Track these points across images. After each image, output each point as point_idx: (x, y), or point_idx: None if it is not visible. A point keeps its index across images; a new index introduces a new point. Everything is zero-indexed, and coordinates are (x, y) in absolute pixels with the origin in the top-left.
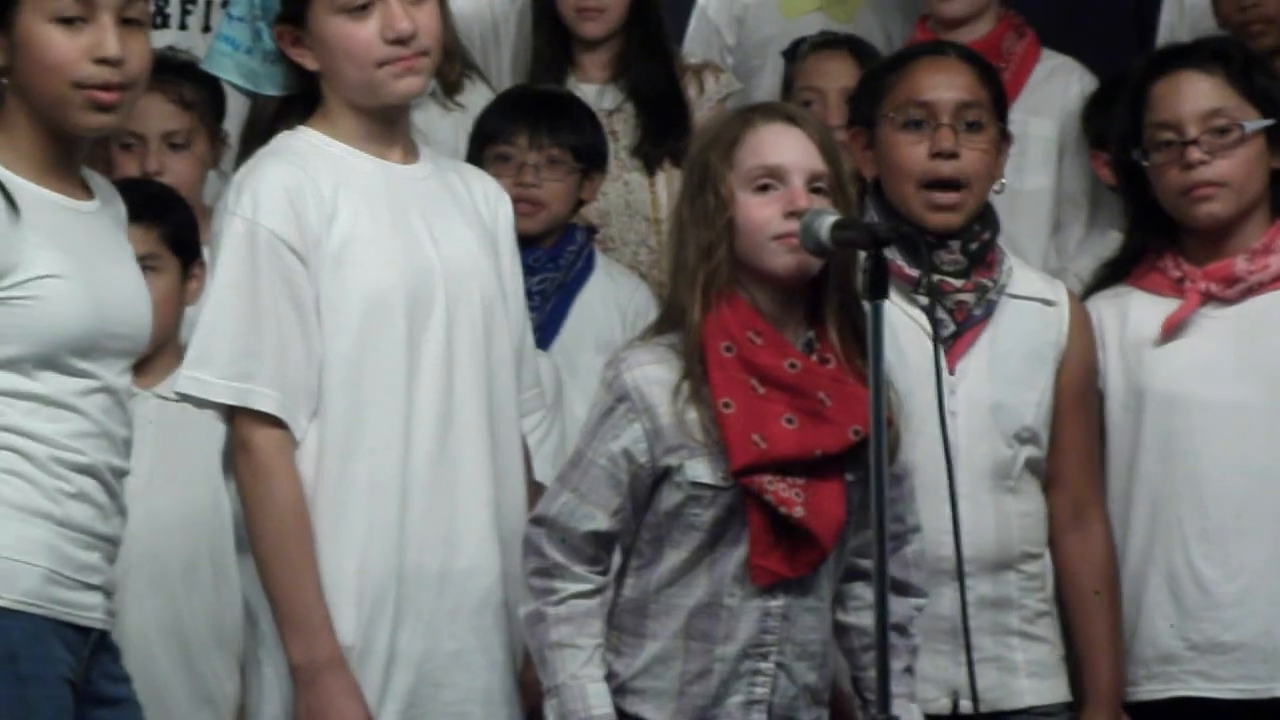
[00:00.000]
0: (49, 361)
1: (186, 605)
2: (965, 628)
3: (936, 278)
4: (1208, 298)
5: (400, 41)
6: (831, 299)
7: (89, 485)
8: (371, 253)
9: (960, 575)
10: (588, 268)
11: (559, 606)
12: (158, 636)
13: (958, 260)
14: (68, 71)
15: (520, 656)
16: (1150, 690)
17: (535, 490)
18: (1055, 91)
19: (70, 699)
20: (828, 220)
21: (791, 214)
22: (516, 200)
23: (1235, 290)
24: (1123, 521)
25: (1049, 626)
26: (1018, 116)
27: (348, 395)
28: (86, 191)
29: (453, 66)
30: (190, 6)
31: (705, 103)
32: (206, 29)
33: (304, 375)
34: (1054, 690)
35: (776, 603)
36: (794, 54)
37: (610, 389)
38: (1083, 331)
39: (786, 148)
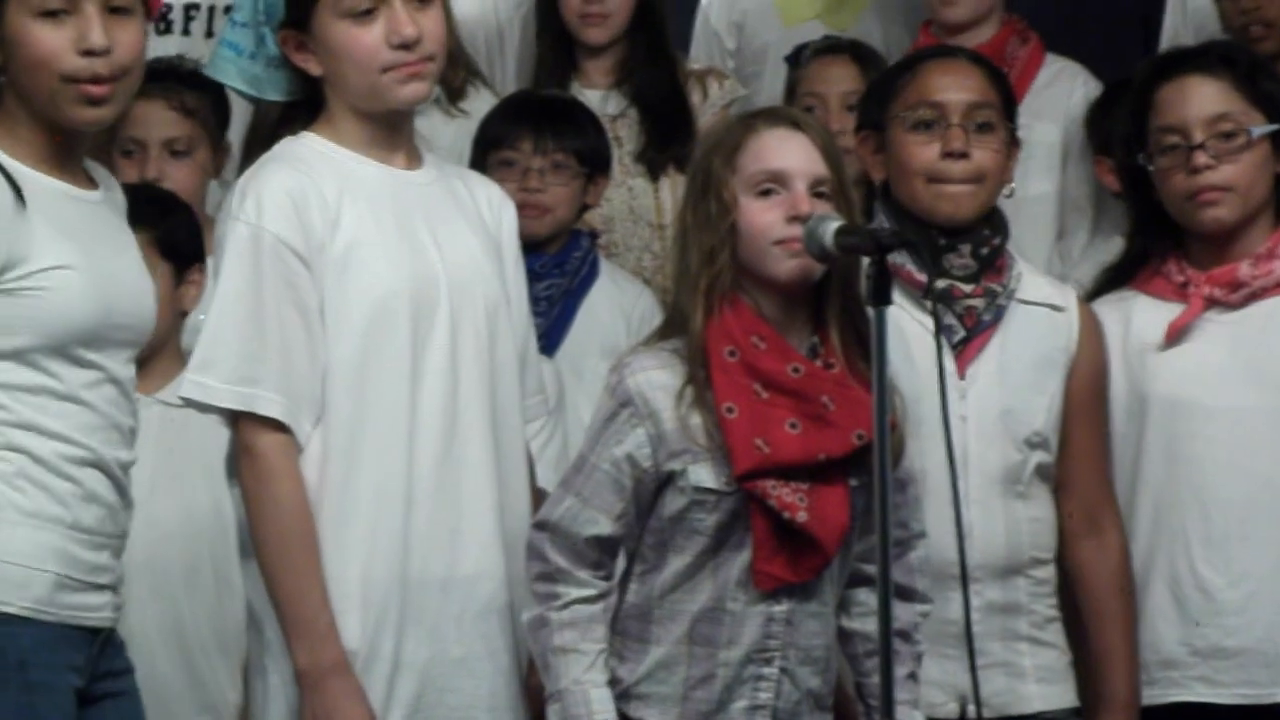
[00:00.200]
0: (58, 353)
1: (188, 612)
2: (969, 633)
3: (946, 282)
4: (1211, 303)
5: (405, 46)
6: (835, 304)
7: (99, 483)
8: (376, 258)
9: (964, 580)
10: (592, 274)
11: (562, 612)
12: (160, 643)
13: (967, 265)
14: (55, 65)
15: (525, 662)
16: (1152, 695)
17: (538, 496)
18: (1059, 96)
19: (74, 706)
20: (832, 226)
21: (794, 219)
22: (521, 205)
23: (1239, 295)
24: (1126, 527)
25: (1058, 632)
26: (1021, 121)
27: (352, 400)
28: (90, 181)
29: (456, 73)
30: (193, 13)
31: (709, 108)
32: (209, 35)
33: (308, 380)
34: (1062, 696)
35: (780, 608)
36: (796, 60)
37: (614, 394)
38: (1093, 336)
39: (789, 152)
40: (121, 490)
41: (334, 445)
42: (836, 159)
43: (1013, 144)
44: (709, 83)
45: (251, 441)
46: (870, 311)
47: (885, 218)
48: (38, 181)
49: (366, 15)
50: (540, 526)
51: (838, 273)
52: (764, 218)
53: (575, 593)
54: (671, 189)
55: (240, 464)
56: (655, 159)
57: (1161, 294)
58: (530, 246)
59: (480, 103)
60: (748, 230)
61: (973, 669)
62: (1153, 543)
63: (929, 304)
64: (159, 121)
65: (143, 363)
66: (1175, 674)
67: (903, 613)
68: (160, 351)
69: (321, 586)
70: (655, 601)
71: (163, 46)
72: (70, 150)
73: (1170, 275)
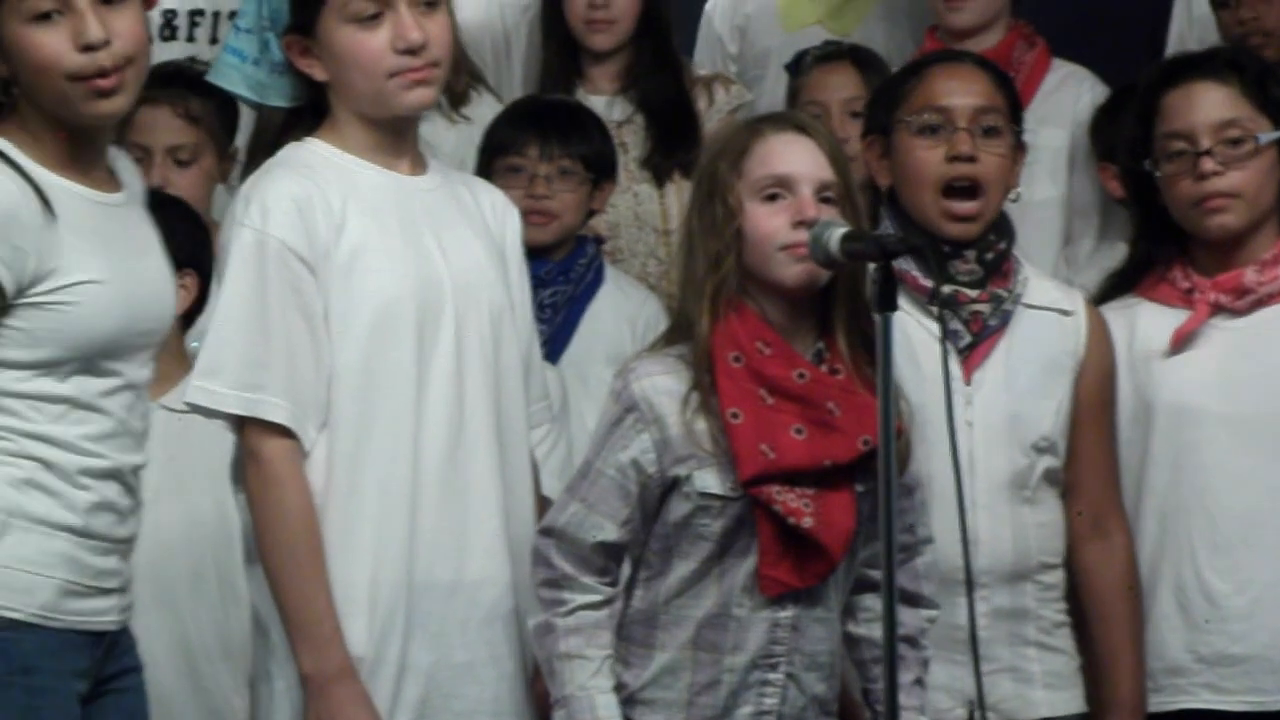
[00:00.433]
0: (81, 364)
1: (192, 619)
2: (974, 638)
3: (952, 288)
4: (1217, 309)
5: (411, 51)
6: (840, 309)
7: (111, 490)
8: (380, 263)
9: (969, 586)
10: (597, 280)
11: (568, 618)
12: (164, 651)
13: (973, 270)
14: (58, 67)
15: (530, 667)
16: (1158, 702)
17: (543, 504)
18: (1066, 101)
19: (78, 711)
20: (837, 232)
21: (800, 223)
22: (528, 212)
23: (1245, 301)
24: (1131, 534)
25: (1066, 637)
26: (1027, 126)
27: (357, 406)
28: (112, 181)
29: (459, 78)
30: (198, 19)
31: (715, 114)
32: (214, 41)
33: (313, 385)
34: (1069, 701)
35: (785, 613)
36: (797, 67)
37: (619, 399)
38: (1101, 340)
39: (795, 157)
40: (132, 493)
41: (339, 450)
42: (843, 163)
43: (1019, 148)
44: (715, 88)
45: (257, 447)
46: (876, 318)
47: (891, 223)
48: (64, 189)
49: (372, 20)
50: (546, 532)
51: (843, 278)
52: (770, 223)
53: (581, 599)
54: (677, 195)
55: (245, 469)
56: (661, 165)
57: (1167, 301)
58: (535, 253)
59: (483, 108)
60: (753, 235)
61: (977, 674)
62: (1158, 549)
63: (935, 309)
64: (164, 128)
65: None
66: (1182, 681)
67: (909, 618)
68: (161, 355)
69: (327, 592)
70: (660, 607)
71: (168, 52)
72: (91, 150)
73: (1175, 282)
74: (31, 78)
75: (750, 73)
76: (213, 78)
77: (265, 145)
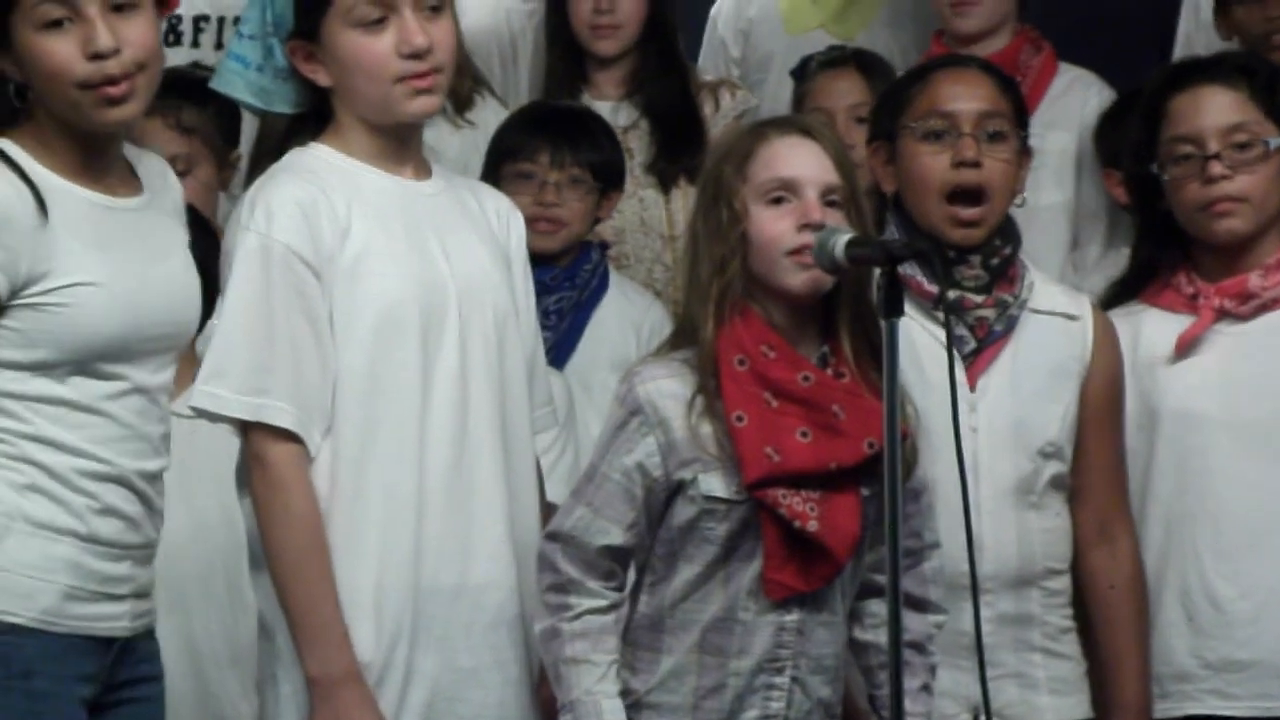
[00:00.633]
0: (78, 367)
1: (200, 624)
2: (979, 644)
3: (957, 293)
4: (1221, 314)
5: (416, 56)
6: (845, 313)
7: (116, 496)
8: (385, 268)
9: (974, 591)
10: (602, 286)
11: (574, 622)
12: (171, 655)
13: (979, 275)
14: (68, 75)
15: (536, 672)
16: (1165, 708)
17: (548, 511)
18: (1073, 105)
19: (82, 715)
20: (842, 238)
21: (805, 227)
22: (537, 219)
23: (1249, 307)
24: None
25: (1072, 643)
26: (1035, 130)
27: (362, 410)
28: (131, 186)
29: (463, 83)
30: (203, 24)
31: (721, 119)
32: (219, 46)
33: (318, 390)
34: (1075, 707)
35: (791, 617)
36: (802, 73)
37: (624, 403)
38: (1108, 344)
39: (800, 160)
40: (146, 500)
41: (344, 455)
42: (848, 167)
43: (1024, 153)
44: (721, 94)
45: (262, 451)
46: (882, 323)
47: (896, 229)
48: (67, 193)
49: (377, 25)
50: (552, 537)
51: (848, 282)
52: (775, 227)
53: (587, 603)
54: (683, 200)
55: (251, 474)
56: (666, 170)
57: (1171, 306)
58: (541, 259)
59: (487, 113)
60: (759, 239)
61: (982, 680)
62: (1163, 555)
63: (940, 315)
64: (157, 140)
65: None
66: (1188, 687)
67: (916, 624)
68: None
69: (333, 596)
70: (666, 611)
71: (172, 58)
72: (104, 156)
73: (1180, 287)
74: (43, 85)
75: (753, 76)
76: (216, 84)
77: (269, 151)
